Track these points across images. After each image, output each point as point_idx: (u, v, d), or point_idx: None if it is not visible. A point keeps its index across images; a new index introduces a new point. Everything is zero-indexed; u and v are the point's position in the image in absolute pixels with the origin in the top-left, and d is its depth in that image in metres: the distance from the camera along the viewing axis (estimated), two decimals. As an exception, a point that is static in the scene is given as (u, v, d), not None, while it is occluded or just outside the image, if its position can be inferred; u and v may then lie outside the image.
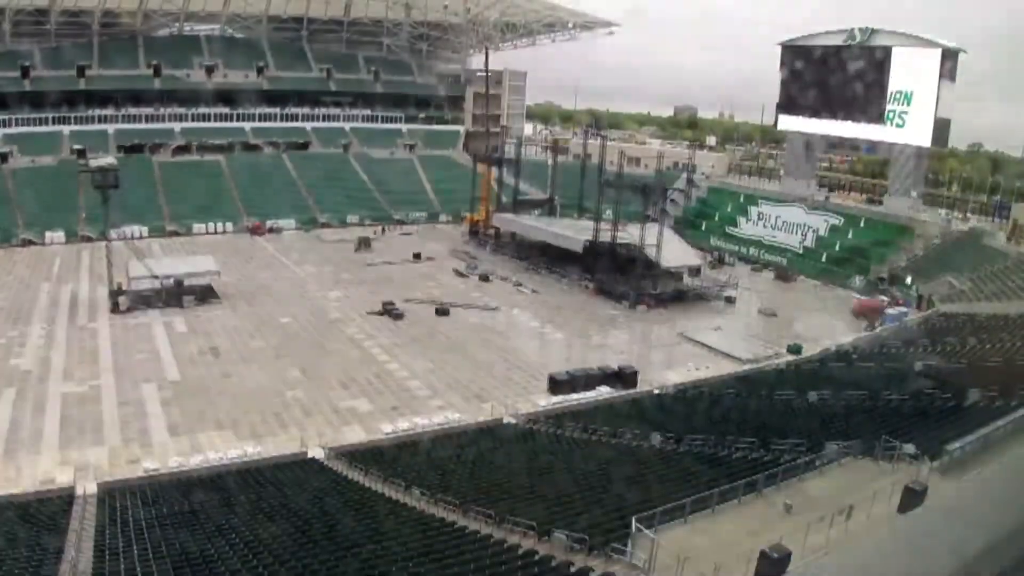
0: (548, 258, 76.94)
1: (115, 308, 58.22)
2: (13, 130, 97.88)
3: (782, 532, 20.01)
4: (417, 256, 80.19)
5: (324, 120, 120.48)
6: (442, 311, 61.30)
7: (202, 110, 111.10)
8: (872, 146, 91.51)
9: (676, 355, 54.34)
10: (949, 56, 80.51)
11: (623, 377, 47.43)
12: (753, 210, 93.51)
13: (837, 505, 21.58)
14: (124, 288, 59.47)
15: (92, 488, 31.41)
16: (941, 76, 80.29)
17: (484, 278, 72.97)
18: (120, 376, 45.85)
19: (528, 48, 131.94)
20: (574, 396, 44.83)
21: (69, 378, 45.24)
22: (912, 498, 21.24)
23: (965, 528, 20.55)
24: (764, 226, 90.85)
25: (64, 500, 30.28)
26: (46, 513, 28.92)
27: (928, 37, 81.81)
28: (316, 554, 23.61)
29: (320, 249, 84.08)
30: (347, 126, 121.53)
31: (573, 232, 74.73)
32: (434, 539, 24.78)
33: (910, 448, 26.24)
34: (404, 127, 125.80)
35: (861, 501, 21.59)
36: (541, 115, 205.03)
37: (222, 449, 36.41)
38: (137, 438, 37.97)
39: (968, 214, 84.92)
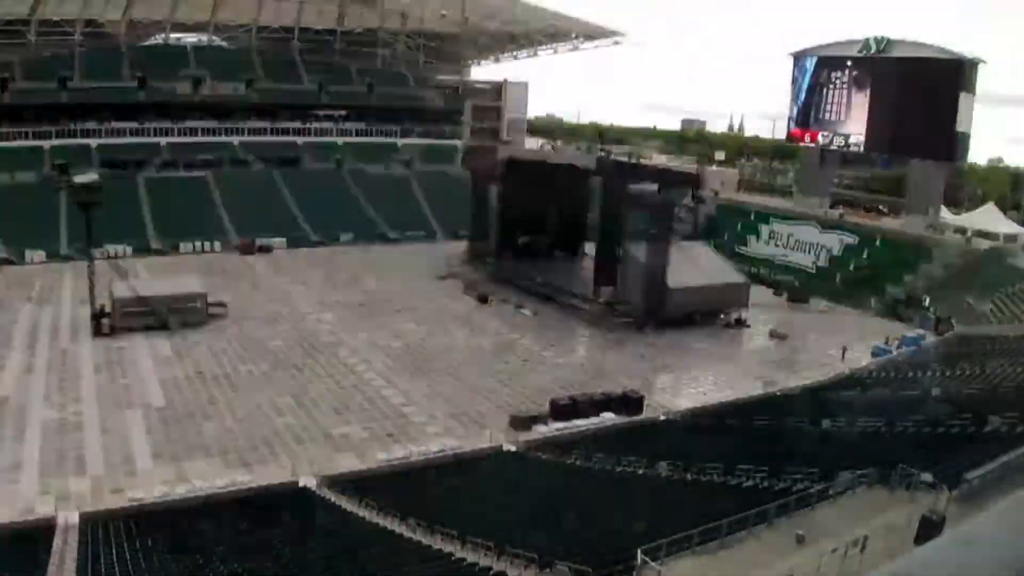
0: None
1: (98, 331, 58.43)
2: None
3: (793, 564, 20.18)
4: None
5: (316, 134, 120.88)
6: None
7: (189, 124, 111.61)
8: (888, 161, 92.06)
9: (684, 380, 54.54)
10: (968, 67, 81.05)
11: (628, 402, 47.58)
12: (764, 228, 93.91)
13: (851, 536, 21.69)
14: (107, 310, 59.65)
15: (74, 519, 31.48)
16: (959, 88, 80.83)
17: (483, 299, 73.20)
18: (103, 402, 46.00)
19: (530, 59, 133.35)
20: (577, 422, 44.94)
21: (50, 404, 45.34)
22: (929, 529, 21.33)
23: (985, 561, 20.71)
24: (776, 245, 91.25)
25: (45, 531, 30.31)
26: (25, 545, 28.97)
27: (946, 47, 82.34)
28: (308, 587, 23.74)
29: (312, 269, 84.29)
30: (340, 140, 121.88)
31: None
32: (431, 571, 24.89)
33: (927, 477, 26.29)
34: (400, 141, 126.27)
35: (876, 532, 21.68)
36: (543, 129, 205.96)
37: (210, 478, 36.48)
38: (121, 466, 38.08)
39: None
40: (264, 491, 35.24)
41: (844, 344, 60.57)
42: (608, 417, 45.76)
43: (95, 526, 30.63)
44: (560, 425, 44.64)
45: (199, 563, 26.51)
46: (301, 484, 36.33)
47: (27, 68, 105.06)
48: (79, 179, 62.95)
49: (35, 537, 29.60)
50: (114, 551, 27.72)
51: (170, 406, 45.90)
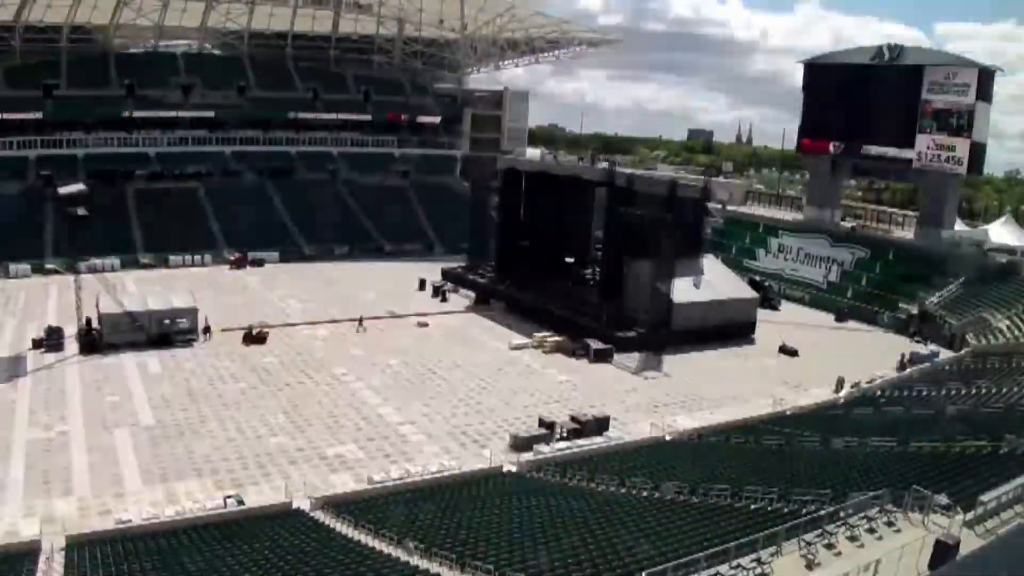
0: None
1: (84, 347, 58.55)
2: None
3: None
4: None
5: (310, 144, 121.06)
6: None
7: (179, 133, 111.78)
8: (902, 173, 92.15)
9: (690, 399, 54.57)
10: (985, 76, 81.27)
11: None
12: (773, 242, 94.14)
13: (863, 560, 21.81)
14: (94, 325, 59.80)
15: (60, 542, 31.53)
16: (977, 97, 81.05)
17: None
18: (90, 420, 46.06)
19: (531, 66, 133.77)
20: (580, 442, 45.04)
21: (35, 423, 45.44)
22: (944, 553, 21.45)
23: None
24: (785, 259, 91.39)
25: (29, 555, 30.32)
26: (9, 570, 29.01)
27: (962, 55, 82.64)
28: (302, 612, 23.77)
29: (306, 283, 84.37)
30: (335, 150, 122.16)
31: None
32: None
33: (942, 499, 26.39)
34: (396, 151, 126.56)
35: (888, 556, 21.80)
36: (545, 139, 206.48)
37: (200, 499, 36.57)
38: (108, 487, 38.12)
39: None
40: (256, 513, 35.34)
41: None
42: (612, 437, 45.87)
43: (81, 549, 30.69)
44: (563, 445, 44.73)
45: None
46: (295, 506, 36.42)
47: (11, 76, 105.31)
48: (65, 190, 63.35)
49: (19, 561, 29.63)
50: (101, 574, 27.80)
51: (159, 425, 45.97)
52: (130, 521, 33.88)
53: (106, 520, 34.27)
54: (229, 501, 36.08)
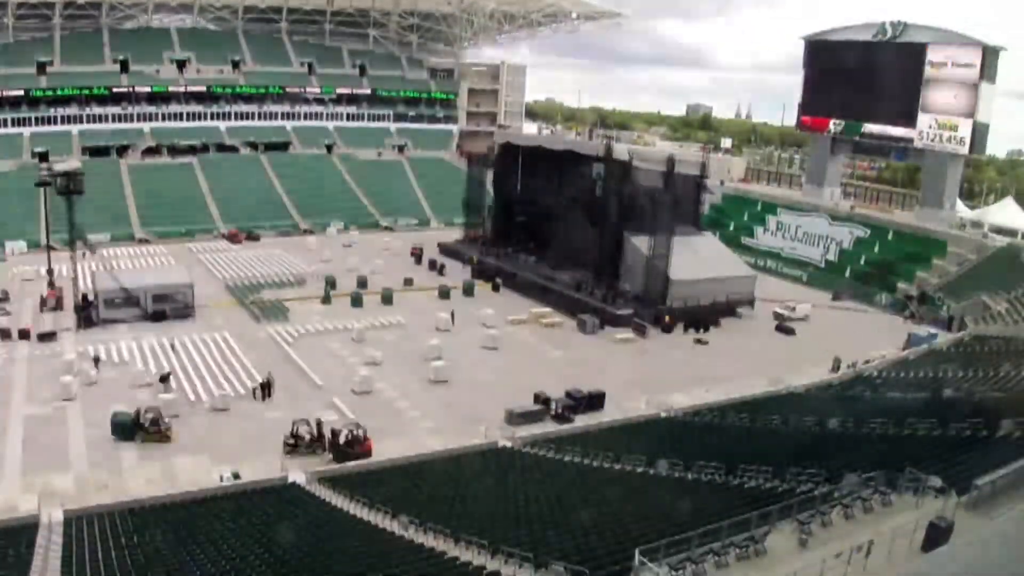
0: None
1: (81, 323, 58.70)
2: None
3: (796, 568, 20.51)
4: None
5: (305, 118, 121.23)
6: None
7: (173, 108, 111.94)
8: (903, 152, 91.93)
9: (686, 377, 54.79)
10: (989, 55, 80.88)
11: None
12: (771, 219, 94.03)
13: (856, 541, 21.96)
14: (91, 301, 59.91)
15: (58, 516, 31.88)
16: (980, 76, 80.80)
17: (469, 291, 74.00)
18: (87, 396, 46.40)
19: (528, 40, 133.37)
20: (575, 418, 45.48)
21: (33, 399, 45.81)
22: (937, 535, 21.56)
23: (993, 569, 20.93)
24: (783, 237, 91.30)
25: (28, 529, 30.65)
26: (8, 543, 29.26)
27: (966, 33, 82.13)
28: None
29: (301, 257, 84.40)
30: (330, 125, 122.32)
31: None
32: (423, 570, 25.22)
33: (936, 481, 26.47)
34: (392, 126, 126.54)
35: (881, 537, 21.97)
36: (542, 113, 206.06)
37: (197, 474, 36.85)
38: (106, 463, 38.52)
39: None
40: (252, 487, 35.72)
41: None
42: (607, 414, 46.12)
43: (80, 523, 31.01)
44: (558, 422, 45.06)
45: (185, 561, 26.84)
46: (290, 480, 36.79)
47: (4, 53, 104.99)
48: (60, 167, 63.20)
49: (19, 535, 29.93)
50: (99, 549, 28.10)
51: (156, 400, 46.08)
52: (127, 496, 34.25)
53: (103, 495, 34.63)
54: (225, 476, 36.47)
